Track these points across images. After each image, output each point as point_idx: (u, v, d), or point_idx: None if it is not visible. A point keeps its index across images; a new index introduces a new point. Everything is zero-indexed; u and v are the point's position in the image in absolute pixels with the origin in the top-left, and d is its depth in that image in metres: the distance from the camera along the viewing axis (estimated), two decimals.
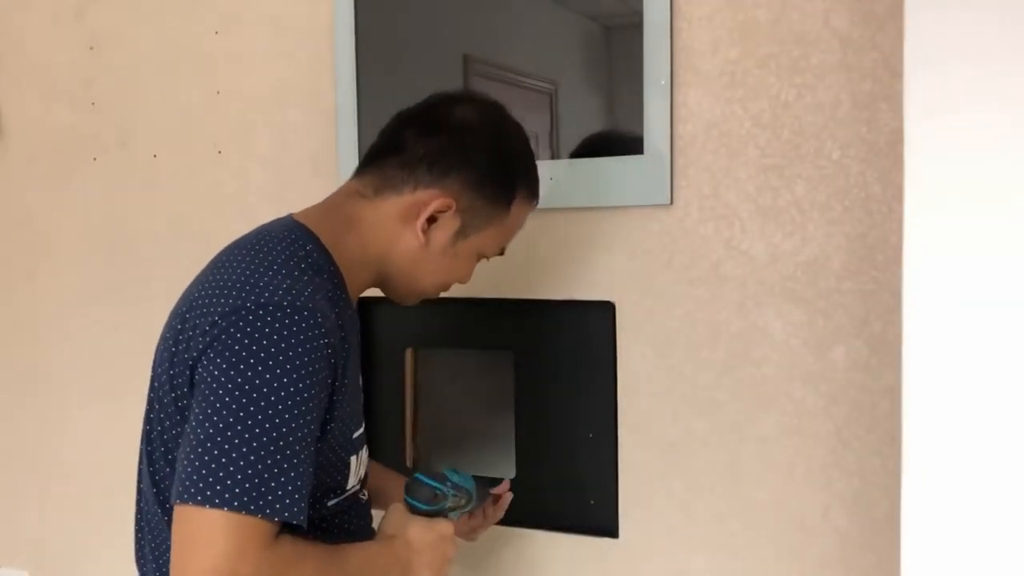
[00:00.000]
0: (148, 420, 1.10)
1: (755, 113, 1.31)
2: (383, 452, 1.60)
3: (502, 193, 1.15)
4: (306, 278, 1.03)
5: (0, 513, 1.97)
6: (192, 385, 0.98)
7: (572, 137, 1.45)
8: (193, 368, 0.98)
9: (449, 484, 1.19)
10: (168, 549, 1.01)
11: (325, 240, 1.09)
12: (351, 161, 1.57)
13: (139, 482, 1.14)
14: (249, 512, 0.91)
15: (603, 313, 1.42)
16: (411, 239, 1.12)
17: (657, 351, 1.39)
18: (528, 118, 1.49)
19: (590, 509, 1.45)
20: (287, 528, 0.95)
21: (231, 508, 0.90)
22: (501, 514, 1.37)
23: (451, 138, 1.12)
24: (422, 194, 1.11)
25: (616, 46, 1.42)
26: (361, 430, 1.15)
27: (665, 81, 1.34)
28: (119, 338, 1.82)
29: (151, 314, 1.78)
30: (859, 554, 1.29)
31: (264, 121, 1.66)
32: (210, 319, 0.98)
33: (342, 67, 1.57)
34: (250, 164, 1.68)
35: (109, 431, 1.84)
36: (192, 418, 0.95)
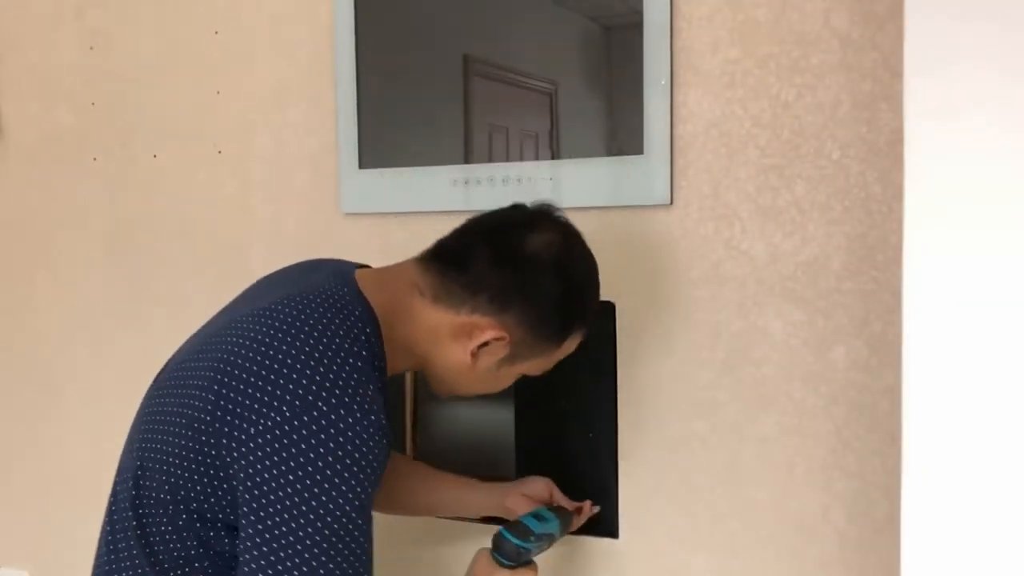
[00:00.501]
0: (148, 443, 1.07)
1: (755, 113, 1.31)
2: None
3: (556, 334, 1.16)
4: (368, 365, 1.03)
5: (0, 513, 1.97)
6: (238, 468, 0.98)
7: (572, 137, 1.45)
8: (244, 456, 0.97)
9: (533, 538, 1.24)
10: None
11: (382, 321, 1.09)
12: (351, 161, 1.57)
13: (118, 494, 1.11)
14: None
15: (603, 313, 1.42)
16: (459, 354, 1.12)
17: (657, 351, 1.39)
18: (528, 118, 1.49)
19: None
20: None
21: None
22: (592, 515, 1.40)
23: (518, 274, 1.11)
24: (478, 320, 1.10)
25: (616, 46, 1.42)
26: None
27: (665, 81, 1.35)
28: (119, 338, 1.82)
29: (151, 314, 1.78)
30: (859, 554, 1.29)
31: (264, 121, 1.66)
32: (258, 387, 0.98)
33: (342, 67, 1.57)
34: (250, 164, 1.68)
35: (109, 431, 1.83)
36: (256, 522, 0.96)
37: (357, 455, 0.96)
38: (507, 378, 1.19)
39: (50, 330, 1.89)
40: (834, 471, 1.30)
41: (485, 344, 1.11)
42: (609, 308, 1.41)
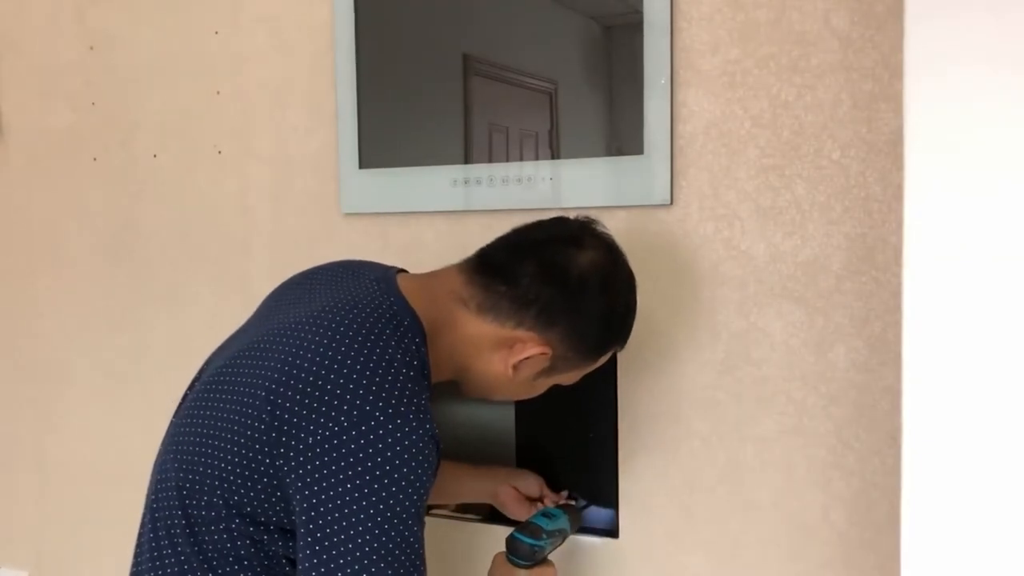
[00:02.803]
0: (195, 447, 1.07)
1: (755, 113, 1.31)
2: None
3: (596, 350, 1.19)
4: (419, 377, 1.05)
5: (0, 513, 1.97)
6: (295, 476, 0.99)
7: (572, 137, 1.45)
8: (302, 465, 0.98)
9: (544, 535, 1.28)
10: None
11: (428, 329, 1.10)
12: (351, 161, 1.57)
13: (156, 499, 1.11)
14: None
15: None
16: (498, 365, 1.14)
17: (657, 351, 1.39)
18: (528, 118, 1.49)
19: (590, 509, 1.45)
20: None
21: None
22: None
23: (567, 293, 1.12)
24: (523, 334, 1.12)
25: (616, 46, 1.42)
26: None
27: (665, 81, 1.35)
28: (119, 338, 1.82)
29: (151, 314, 1.78)
30: (859, 554, 1.29)
31: (264, 121, 1.66)
32: (325, 402, 0.99)
33: (342, 67, 1.57)
34: (250, 164, 1.68)
35: (109, 431, 1.84)
36: (314, 528, 0.97)
37: (413, 463, 0.98)
38: (541, 387, 1.22)
39: (50, 330, 1.89)
40: (834, 471, 1.30)
41: (527, 357, 1.13)
42: None
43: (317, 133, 1.61)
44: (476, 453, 1.61)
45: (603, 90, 1.44)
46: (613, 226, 1.40)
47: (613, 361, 1.41)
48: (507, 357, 1.14)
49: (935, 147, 0.87)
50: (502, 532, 1.50)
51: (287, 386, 1.01)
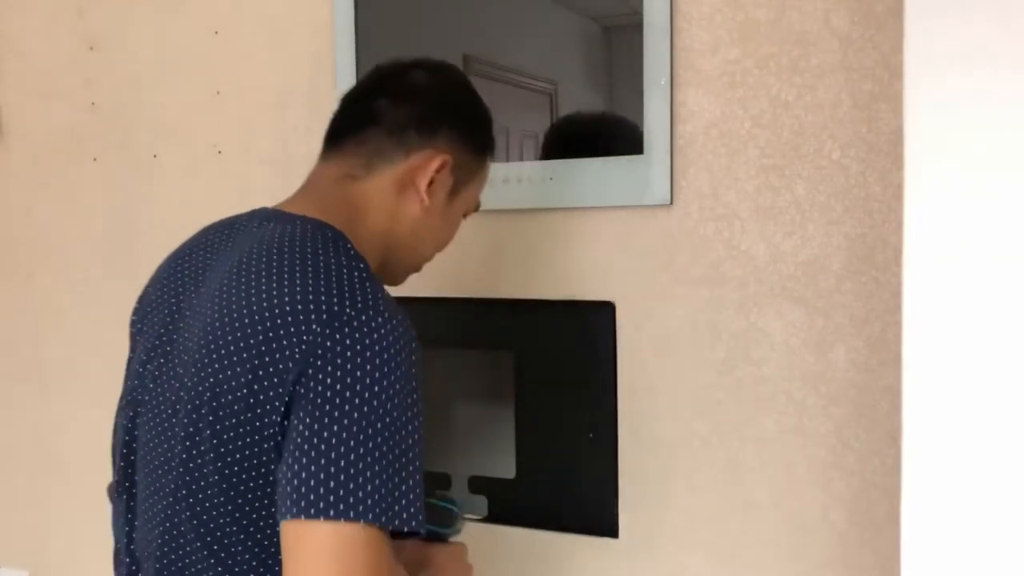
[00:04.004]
0: (190, 442, 0.98)
1: (755, 113, 1.31)
2: None
3: (482, 144, 1.17)
4: (372, 281, 0.99)
5: (0, 513, 1.97)
6: (289, 402, 0.91)
7: (572, 137, 1.45)
8: (293, 384, 0.90)
9: (457, 503, 1.20)
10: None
11: (345, 232, 1.05)
12: None
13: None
14: (383, 524, 0.86)
15: (603, 313, 1.42)
16: (412, 205, 1.11)
17: (657, 351, 1.39)
18: (528, 118, 1.49)
19: (590, 509, 1.45)
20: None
21: (367, 521, 0.86)
22: None
23: (427, 101, 1.12)
24: (416, 158, 1.09)
25: (616, 46, 1.42)
26: None
27: (665, 81, 1.35)
28: (119, 338, 1.82)
29: None
30: (859, 554, 1.29)
31: (264, 121, 1.66)
32: (302, 329, 0.91)
33: (342, 67, 1.57)
34: (250, 164, 1.68)
35: (109, 431, 1.84)
36: (304, 431, 0.88)
37: (403, 352, 0.92)
38: (456, 215, 1.18)
39: (50, 330, 1.89)
40: (834, 471, 1.30)
41: (431, 183, 1.10)
42: (609, 308, 1.42)
43: (317, 133, 1.60)
44: (476, 453, 1.61)
45: (603, 90, 1.44)
46: (613, 226, 1.41)
47: (613, 361, 1.41)
48: (416, 190, 1.10)
49: (935, 147, 0.87)
50: (502, 532, 1.50)
51: (253, 333, 0.93)
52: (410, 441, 0.90)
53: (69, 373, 1.87)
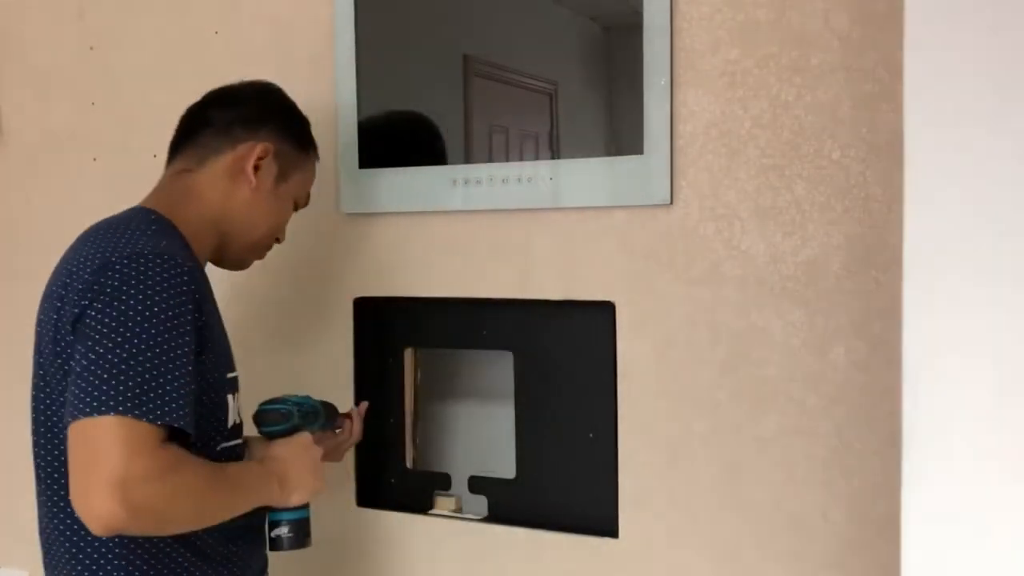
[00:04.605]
0: (38, 407, 1.26)
1: (755, 113, 1.31)
2: (383, 452, 1.60)
3: (301, 141, 1.38)
4: (160, 238, 1.18)
5: (0, 513, 1.97)
6: (72, 340, 1.11)
7: (572, 137, 1.45)
8: (75, 326, 1.10)
9: (291, 403, 1.30)
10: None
11: (167, 216, 1.24)
12: (351, 161, 1.57)
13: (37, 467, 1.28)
14: (136, 416, 1.03)
15: (603, 313, 1.42)
16: (243, 189, 1.30)
17: (657, 351, 1.39)
18: (528, 118, 1.50)
19: (590, 509, 1.45)
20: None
21: (119, 413, 1.03)
22: (360, 431, 1.48)
23: (253, 102, 1.35)
24: (242, 148, 1.30)
25: (616, 46, 1.42)
26: (235, 373, 1.28)
27: (665, 81, 1.34)
28: None
29: None
30: (859, 554, 1.29)
31: None
32: (83, 279, 1.12)
33: (342, 67, 1.57)
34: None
35: None
36: (77, 357, 1.07)
37: (164, 276, 1.11)
38: (286, 201, 1.36)
39: None
40: (834, 471, 1.30)
41: (257, 169, 1.29)
42: (609, 308, 1.42)
43: (317, 133, 1.61)
44: (476, 453, 1.61)
45: (603, 90, 1.44)
46: (613, 226, 1.41)
47: (613, 361, 1.41)
48: (244, 174, 1.29)
49: (935, 147, 0.87)
50: (502, 532, 1.50)
51: (63, 294, 1.15)
52: (174, 351, 1.08)
53: None
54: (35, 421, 1.28)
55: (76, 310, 1.11)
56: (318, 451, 1.30)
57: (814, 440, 1.30)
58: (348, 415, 1.48)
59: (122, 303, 1.08)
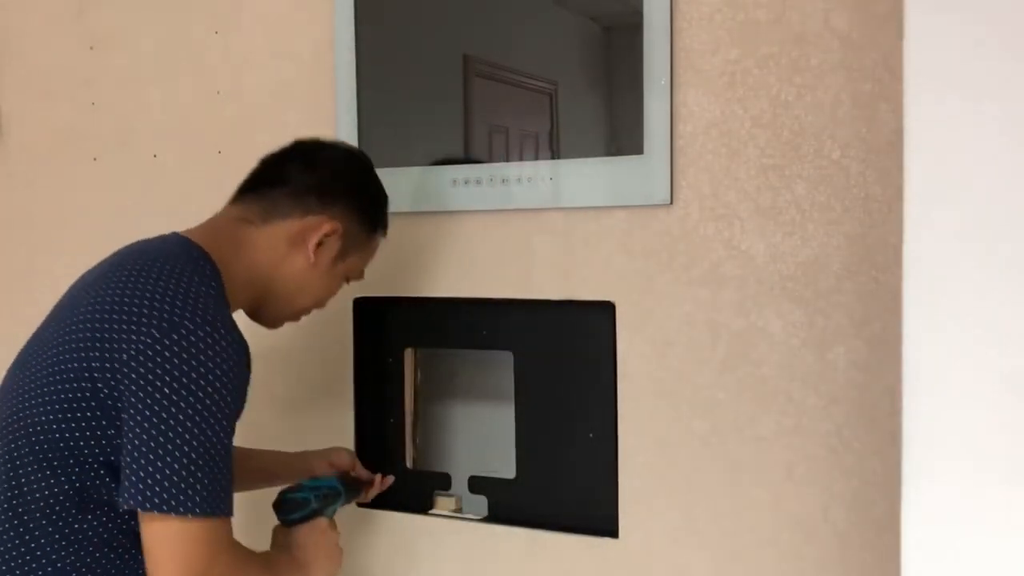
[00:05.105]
0: (24, 413, 1.12)
1: (755, 113, 1.31)
2: (383, 452, 1.60)
3: (373, 223, 1.33)
4: (221, 296, 1.15)
5: None
6: (119, 395, 1.06)
7: (572, 137, 1.45)
8: (135, 378, 1.06)
9: (308, 490, 1.32)
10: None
11: (214, 257, 1.19)
12: None
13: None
14: (214, 515, 1.06)
15: (603, 313, 1.42)
16: (299, 260, 1.26)
17: (657, 351, 1.39)
18: (528, 118, 1.50)
19: (590, 509, 1.45)
20: None
21: (202, 515, 1.05)
22: (385, 487, 1.51)
23: (335, 173, 1.29)
24: (312, 220, 1.25)
25: (616, 46, 1.42)
26: None
27: (665, 81, 1.35)
28: None
29: None
30: (859, 554, 1.29)
31: (264, 121, 1.65)
32: (148, 332, 1.07)
33: (342, 67, 1.57)
34: (250, 164, 1.67)
35: None
36: (145, 426, 1.05)
37: (226, 366, 1.08)
38: (339, 278, 1.33)
39: None
40: (834, 471, 1.30)
41: (320, 243, 1.25)
42: (609, 308, 1.42)
43: (317, 133, 1.61)
44: (476, 453, 1.62)
45: (603, 90, 1.44)
46: (613, 226, 1.41)
47: (613, 361, 1.41)
48: (304, 249, 1.25)
49: (935, 147, 0.87)
50: (502, 532, 1.50)
51: (99, 319, 1.09)
52: (227, 441, 1.09)
53: None
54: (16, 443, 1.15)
55: (139, 367, 1.06)
56: (335, 536, 1.33)
57: (814, 440, 1.30)
58: (371, 482, 1.49)
59: (195, 383, 1.05)
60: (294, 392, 1.63)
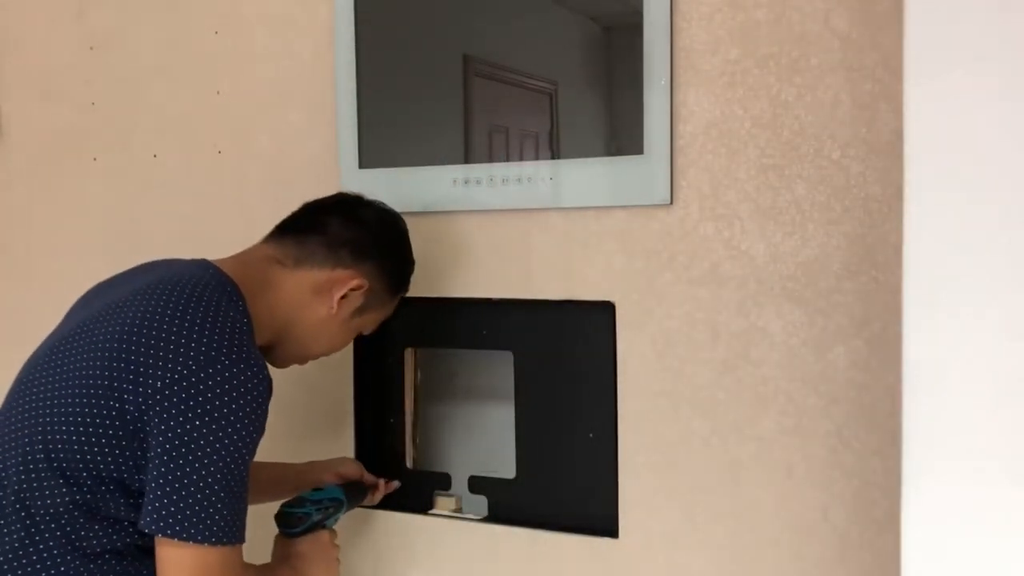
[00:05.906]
0: (44, 420, 1.13)
1: (755, 113, 1.31)
2: (383, 452, 1.60)
3: (398, 284, 1.39)
4: (251, 334, 1.18)
5: None
6: (146, 411, 1.09)
7: (572, 137, 1.45)
8: (156, 406, 1.08)
9: (309, 504, 1.34)
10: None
11: (242, 290, 1.22)
12: (351, 161, 1.57)
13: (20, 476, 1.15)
14: (231, 544, 1.10)
15: (603, 313, 1.42)
16: (322, 309, 1.29)
17: (657, 351, 1.39)
18: (528, 118, 1.50)
19: (590, 509, 1.45)
20: None
21: (221, 544, 1.08)
22: (390, 491, 1.54)
23: (370, 233, 1.33)
24: (341, 273, 1.29)
25: (616, 46, 1.42)
26: None
27: (665, 81, 1.35)
28: None
29: None
30: (859, 554, 1.29)
31: (264, 121, 1.66)
32: (183, 363, 1.10)
33: (342, 67, 1.57)
34: (250, 164, 1.68)
35: None
36: (166, 459, 1.08)
37: (253, 401, 1.11)
38: (354, 331, 1.37)
39: (50, 329, 1.89)
40: (834, 471, 1.30)
41: (344, 296, 1.29)
42: (609, 308, 1.42)
43: (317, 133, 1.61)
44: (476, 454, 1.61)
45: (603, 90, 1.44)
46: (613, 226, 1.41)
47: (613, 361, 1.41)
48: (328, 299, 1.29)
49: (935, 147, 0.87)
50: (502, 532, 1.50)
51: (134, 341, 1.12)
52: (246, 475, 1.12)
53: None
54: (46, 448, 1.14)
55: (173, 396, 1.09)
56: (335, 549, 1.36)
57: (814, 440, 1.30)
58: (375, 487, 1.51)
59: (225, 419, 1.09)
60: (294, 392, 1.63)
